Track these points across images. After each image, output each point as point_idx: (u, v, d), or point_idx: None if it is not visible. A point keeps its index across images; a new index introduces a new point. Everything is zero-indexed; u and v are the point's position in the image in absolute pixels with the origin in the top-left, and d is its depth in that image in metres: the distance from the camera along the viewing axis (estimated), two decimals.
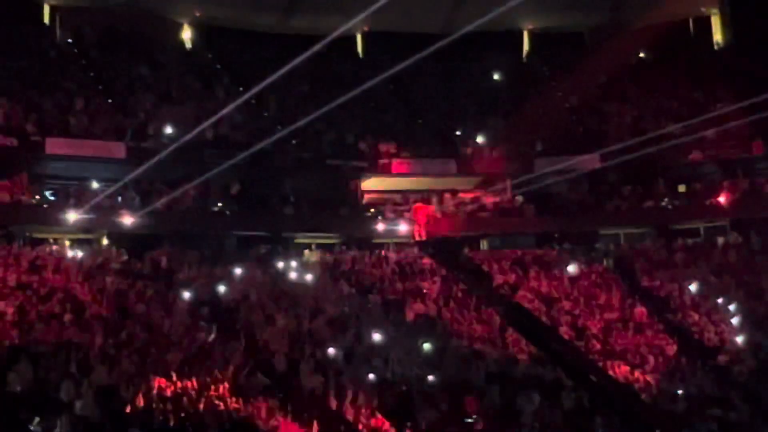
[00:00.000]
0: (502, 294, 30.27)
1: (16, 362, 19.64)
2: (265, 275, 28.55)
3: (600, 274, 32.52)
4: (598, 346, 27.93)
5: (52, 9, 36.99)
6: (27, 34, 35.54)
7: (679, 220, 35.43)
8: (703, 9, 42.87)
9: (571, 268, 32.37)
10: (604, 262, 33.65)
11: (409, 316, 27.76)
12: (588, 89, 40.55)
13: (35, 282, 24.47)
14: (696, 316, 29.86)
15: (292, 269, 29.30)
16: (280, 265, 29.40)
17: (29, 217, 28.61)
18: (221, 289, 26.61)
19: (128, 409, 19.07)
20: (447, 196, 34.34)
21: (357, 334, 25.40)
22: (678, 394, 24.85)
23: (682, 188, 36.11)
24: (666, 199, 35.59)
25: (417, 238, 32.58)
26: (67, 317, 22.48)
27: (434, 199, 34.03)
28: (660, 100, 39.13)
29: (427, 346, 25.16)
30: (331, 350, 23.65)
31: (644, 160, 35.70)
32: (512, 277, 31.61)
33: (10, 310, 22.26)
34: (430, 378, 23.37)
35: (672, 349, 27.94)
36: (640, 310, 30.05)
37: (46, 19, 36.94)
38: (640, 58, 42.37)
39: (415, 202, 33.59)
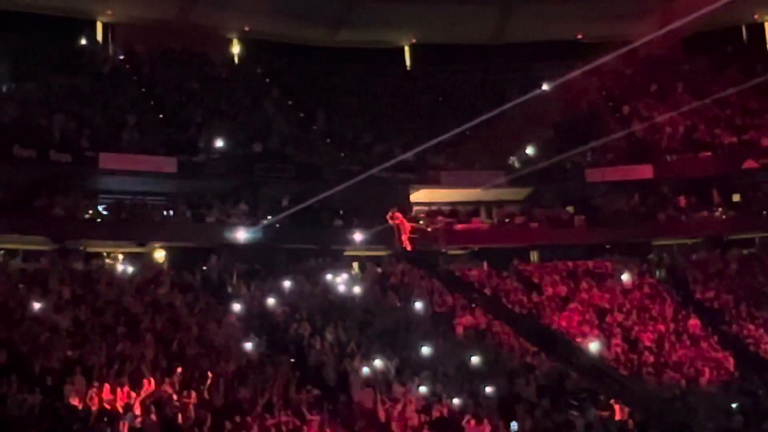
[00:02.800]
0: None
1: (71, 374, 19.93)
2: (315, 288, 28.60)
3: (653, 286, 32.08)
4: (652, 359, 27.55)
5: (105, 26, 37.64)
6: (81, 51, 36.19)
7: (734, 231, 34.81)
8: (756, 16, 42.20)
9: (624, 279, 32.00)
10: (657, 274, 33.17)
11: (458, 329, 27.62)
12: (639, 98, 40.13)
13: (89, 295, 24.80)
14: (752, 328, 29.29)
15: (341, 282, 29.29)
16: (329, 277, 29.42)
17: (83, 231, 29.03)
18: (271, 301, 26.70)
19: (179, 420, 19.22)
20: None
21: (406, 347, 25.27)
22: (733, 408, 24.37)
23: (736, 198, 35.51)
24: (720, 209, 35.01)
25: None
26: (120, 330, 22.73)
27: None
28: (713, 109, 38.55)
29: (476, 359, 24.94)
30: (379, 363, 23.55)
31: (698, 170, 35.57)
32: (563, 289, 31.33)
33: (65, 323, 22.58)
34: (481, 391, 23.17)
35: (727, 362, 27.45)
36: (694, 321, 29.57)
37: (99, 36, 37.59)
38: (693, 65, 41.78)
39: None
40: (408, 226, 32.09)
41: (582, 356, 26.45)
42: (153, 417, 18.98)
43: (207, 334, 23.74)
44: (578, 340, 27.96)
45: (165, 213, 31.39)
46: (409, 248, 31.98)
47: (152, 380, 20.37)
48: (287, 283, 28.14)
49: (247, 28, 39.79)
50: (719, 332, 29.30)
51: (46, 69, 33.20)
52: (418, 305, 28.38)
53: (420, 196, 35.15)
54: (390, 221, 32.06)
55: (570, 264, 33.40)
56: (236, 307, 25.88)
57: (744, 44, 42.66)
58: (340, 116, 37.66)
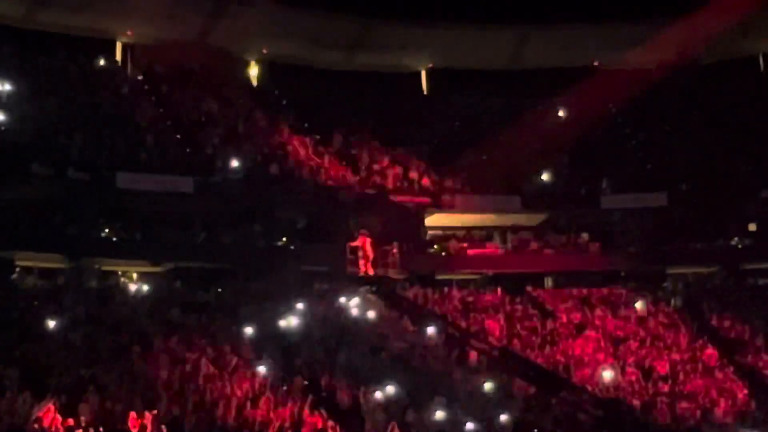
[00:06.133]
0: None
1: (85, 392, 19.91)
2: (328, 311, 28.53)
3: (668, 314, 31.90)
4: (666, 388, 27.34)
5: (124, 47, 37.96)
6: (100, 71, 36.46)
7: (750, 260, 34.64)
8: None
9: (639, 308, 31.83)
10: (672, 302, 33.00)
11: (471, 355, 27.48)
12: (655, 125, 40.11)
13: (103, 314, 24.83)
14: None
15: (354, 305, 29.20)
16: (343, 300, 29.34)
17: (99, 250, 29.14)
18: (284, 323, 26.63)
19: None
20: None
21: (420, 372, 25.15)
22: None
23: (752, 227, 35.37)
24: (736, 238, 34.86)
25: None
26: (135, 349, 22.72)
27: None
28: (729, 136, 38.47)
29: (489, 386, 24.75)
30: (393, 388, 23.40)
31: (713, 198, 35.49)
32: (577, 316, 31.18)
33: (79, 341, 22.60)
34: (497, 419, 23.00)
35: (743, 392, 27.23)
36: (710, 351, 29.37)
37: (119, 56, 37.89)
38: (708, 94, 41.74)
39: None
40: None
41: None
42: None
43: (220, 355, 23.68)
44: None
45: (180, 233, 31.45)
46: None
47: (165, 400, 20.32)
48: (300, 305, 28.06)
49: (265, 51, 40.06)
50: (735, 362, 29.08)
51: (65, 88, 33.43)
52: (431, 329, 28.27)
53: (435, 220, 35.14)
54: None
55: (584, 291, 33.27)
56: (249, 328, 25.80)
57: (761, 73, 42.61)
58: (356, 140, 37.76)
